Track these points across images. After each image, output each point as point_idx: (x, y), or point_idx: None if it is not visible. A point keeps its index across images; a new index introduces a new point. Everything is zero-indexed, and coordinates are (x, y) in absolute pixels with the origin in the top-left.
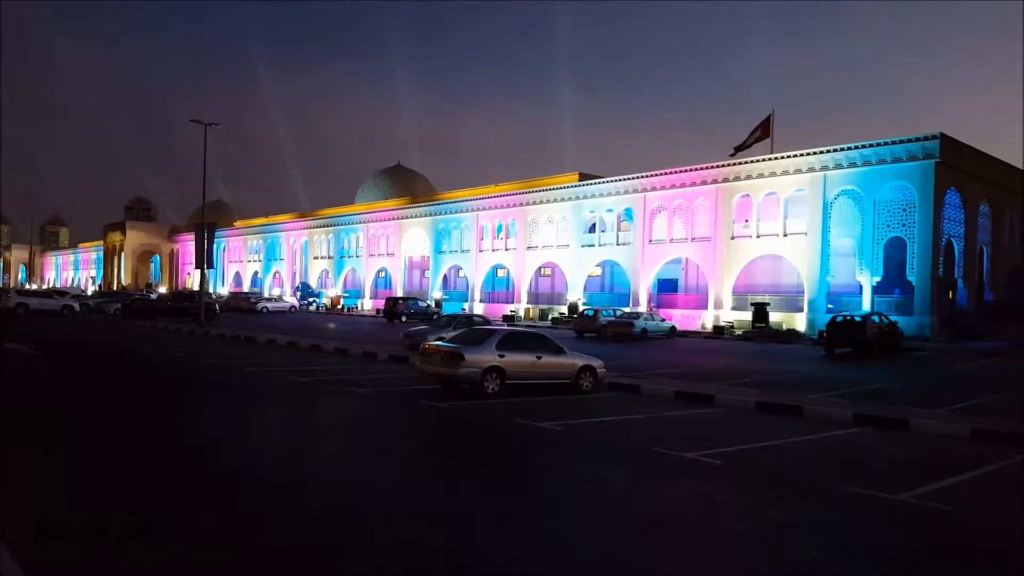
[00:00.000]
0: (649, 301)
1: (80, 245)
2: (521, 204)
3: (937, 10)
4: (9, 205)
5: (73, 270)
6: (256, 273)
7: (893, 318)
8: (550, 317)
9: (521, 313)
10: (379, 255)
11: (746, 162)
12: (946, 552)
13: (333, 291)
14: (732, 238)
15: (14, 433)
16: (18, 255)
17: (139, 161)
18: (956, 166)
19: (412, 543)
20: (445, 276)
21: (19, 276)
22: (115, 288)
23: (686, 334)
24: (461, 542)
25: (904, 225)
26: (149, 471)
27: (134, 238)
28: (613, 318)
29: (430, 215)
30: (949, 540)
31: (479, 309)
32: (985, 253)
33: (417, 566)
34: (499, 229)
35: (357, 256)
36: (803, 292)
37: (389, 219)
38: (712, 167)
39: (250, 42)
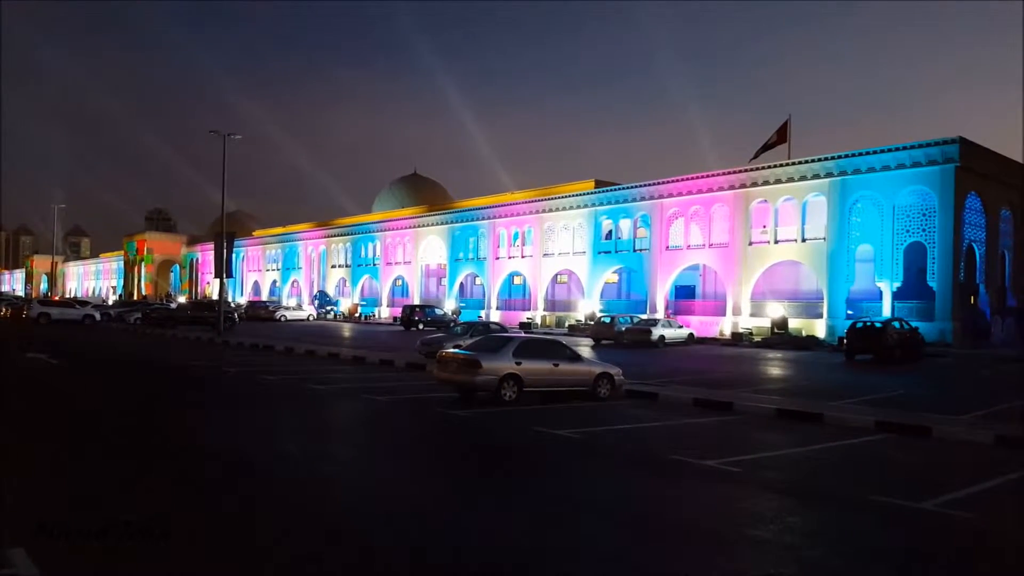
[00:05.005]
0: (666, 308)
1: (101, 255)
2: (537, 211)
3: (954, 12)
4: (32, 215)
5: (94, 280)
6: (275, 282)
7: (914, 324)
8: (567, 324)
9: (538, 320)
10: (396, 263)
11: (763, 167)
12: (969, 560)
13: (350, 300)
14: (750, 244)
15: (32, 438)
16: (41, 265)
17: (159, 172)
18: (976, 170)
19: (427, 544)
20: (461, 284)
21: (41, 286)
22: (135, 298)
23: (704, 341)
24: (475, 543)
25: (924, 230)
26: (164, 475)
27: (154, 248)
28: (630, 325)
29: (446, 223)
30: (972, 548)
31: (496, 317)
32: (1007, 258)
33: (430, 566)
34: (515, 236)
35: (374, 264)
36: (822, 298)
37: (406, 227)
38: (729, 173)
39: (268, 54)
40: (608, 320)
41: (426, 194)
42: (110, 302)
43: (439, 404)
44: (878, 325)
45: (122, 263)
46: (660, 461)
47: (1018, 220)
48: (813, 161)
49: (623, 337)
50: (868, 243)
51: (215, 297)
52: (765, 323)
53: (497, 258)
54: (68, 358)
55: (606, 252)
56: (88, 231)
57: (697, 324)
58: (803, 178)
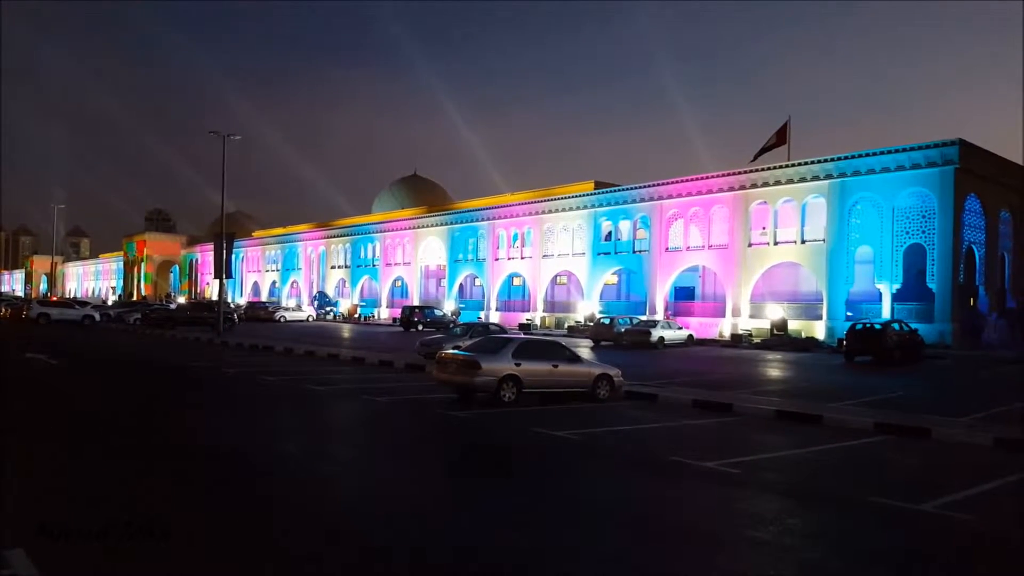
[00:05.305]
0: (666, 309)
1: (101, 255)
2: (537, 212)
3: (954, 12)
4: (32, 215)
5: (94, 280)
6: (274, 283)
7: (913, 325)
8: (566, 325)
9: (537, 321)
10: (395, 264)
11: (763, 169)
12: (968, 562)
13: (350, 300)
14: (749, 245)
15: (32, 438)
16: (40, 265)
17: (159, 172)
18: (976, 172)
19: (427, 544)
20: (461, 285)
21: (41, 286)
22: (135, 298)
23: (703, 342)
24: (475, 543)
25: (924, 232)
26: (164, 475)
27: (153, 248)
28: (630, 326)
29: (446, 224)
30: (971, 550)
31: (495, 318)
32: (1007, 259)
33: (430, 566)
34: (515, 238)
35: (373, 265)
36: (822, 300)
37: (405, 228)
38: (729, 174)
39: (268, 54)
40: (607, 321)
41: (426, 195)
42: (110, 302)
43: (438, 405)
44: (877, 327)
45: (122, 263)
46: (660, 462)
47: (1017, 222)
48: (813, 163)
49: (622, 338)
50: (868, 245)
51: (214, 298)
52: (765, 324)
53: (496, 259)
54: (67, 358)
55: (605, 253)
56: (88, 231)
57: (697, 325)
58: (803, 180)
